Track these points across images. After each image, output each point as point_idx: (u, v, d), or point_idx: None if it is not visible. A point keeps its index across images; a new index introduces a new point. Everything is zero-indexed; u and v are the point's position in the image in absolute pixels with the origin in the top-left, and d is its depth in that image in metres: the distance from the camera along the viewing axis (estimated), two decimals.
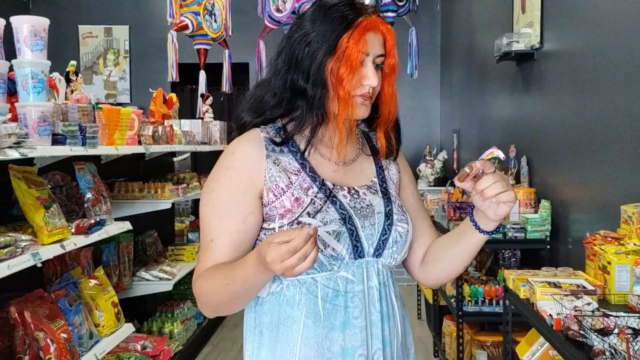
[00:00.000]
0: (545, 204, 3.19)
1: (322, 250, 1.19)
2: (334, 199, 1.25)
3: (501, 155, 1.23)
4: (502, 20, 4.18)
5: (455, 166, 6.10)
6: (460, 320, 3.38)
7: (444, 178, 6.25)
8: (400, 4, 4.60)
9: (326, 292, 1.23)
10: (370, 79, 1.23)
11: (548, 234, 3.15)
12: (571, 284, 2.08)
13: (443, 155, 6.46)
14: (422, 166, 6.45)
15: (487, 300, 3.34)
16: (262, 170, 1.25)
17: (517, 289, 2.31)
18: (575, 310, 1.78)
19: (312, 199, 1.23)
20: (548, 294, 2.00)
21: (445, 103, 6.88)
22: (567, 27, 3.12)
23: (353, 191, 1.29)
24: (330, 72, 1.22)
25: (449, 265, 1.36)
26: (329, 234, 1.20)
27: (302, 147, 1.29)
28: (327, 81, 1.23)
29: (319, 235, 1.19)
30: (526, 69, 3.74)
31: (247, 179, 1.24)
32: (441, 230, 3.71)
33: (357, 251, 1.24)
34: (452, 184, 5.19)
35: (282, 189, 1.24)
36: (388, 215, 1.29)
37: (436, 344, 4.30)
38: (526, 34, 3.61)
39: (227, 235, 1.23)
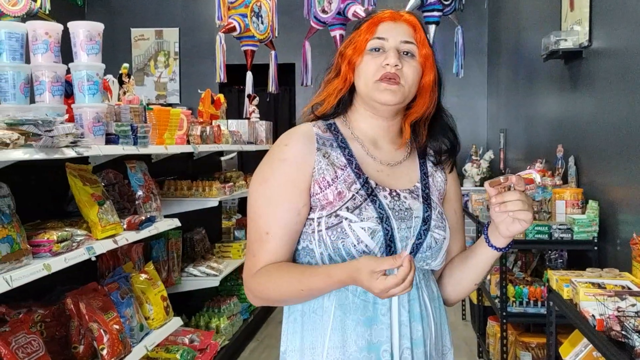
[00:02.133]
0: (593, 204, 3.14)
1: (354, 245, 1.22)
2: (375, 197, 1.27)
3: (538, 179, 1.26)
4: (550, 18, 4.11)
5: (502, 166, 6.03)
6: (505, 321, 3.36)
7: (490, 178, 6.17)
8: (446, 2, 4.58)
9: (356, 287, 1.24)
10: (388, 58, 1.27)
11: (596, 235, 3.09)
12: (616, 285, 2.06)
13: (489, 155, 6.39)
14: (467, 166, 6.40)
15: (532, 301, 3.31)
16: (312, 163, 1.28)
17: (560, 290, 2.29)
18: (618, 311, 1.76)
19: (353, 195, 1.26)
20: (591, 294, 1.98)
21: (492, 102, 6.80)
22: (617, 25, 3.06)
23: (394, 193, 1.30)
24: (339, 54, 1.34)
25: (459, 280, 1.37)
26: (364, 230, 1.22)
27: (351, 146, 1.32)
28: (335, 62, 1.35)
29: (353, 230, 1.22)
30: (574, 67, 3.68)
31: (299, 171, 1.27)
32: None
33: (390, 251, 1.25)
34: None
35: (328, 182, 1.27)
36: (426, 220, 1.29)
37: (480, 344, 4.27)
38: (574, 31, 3.55)
39: (282, 227, 1.26)
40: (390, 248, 1.25)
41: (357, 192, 1.26)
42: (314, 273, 1.20)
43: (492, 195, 1.22)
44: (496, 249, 1.28)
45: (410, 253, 1.27)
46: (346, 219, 1.23)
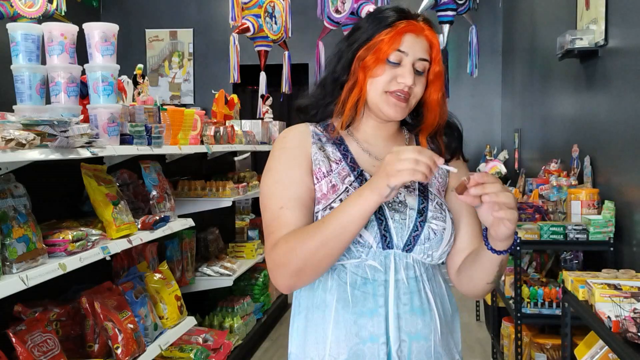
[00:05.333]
0: (609, 204, 3.11)
1: None
2: None
3: (503, 169, 1.22)
4: (565, 17, 4.08)
5: (516, 166, 5.99)
6: (519, 322, 3.33)
7: (505, 178, 6.14)
8: (460, 2, 4.54)
9: (354, 279, 1.27)
10: (405, 78, 1.27)
11: (612, 235, 3.06)
12: (632, 287, 2.04)
13: (504, 155, 6.34)
14: (482, 166, 6.36)
15: (546, 303, 3.28)
16: (310, 151, 1.33)
17: (575, 291, 2.27)
18: (635, 313, 1.74)
19: (346, 187, 1.28)
20: (607, 295, 1.96)
21: (507, 102, 6.76)
22: (633, 24, 3.02)
23: None
24: (357, 58, 1.30)
25: (471, 277, 1.32)
26: None
27: (347, 142, 1.35)
28: (353, 67, 1.31)
29: None
30: (590, 66, 3.65)
31: (301, 154, 1.32)
32: None
33: (386, 241, 1.26)
34: (512, 184, 5.10)
35: (323, 173, 1.30)
36: (421, 212, 1.29)
37: (494, 345, 4.25)
38: (590, 30, 3.52)
39: (294, 200, 1.27)
40: (385, 238, 1.26)
41: (350, 185, 1.29)
42: (340, 206, 1.19)
43: (470, 203, 1.14)
44: (495, 252, 1.21)
45: (408, 245, 1.27)
46: None
